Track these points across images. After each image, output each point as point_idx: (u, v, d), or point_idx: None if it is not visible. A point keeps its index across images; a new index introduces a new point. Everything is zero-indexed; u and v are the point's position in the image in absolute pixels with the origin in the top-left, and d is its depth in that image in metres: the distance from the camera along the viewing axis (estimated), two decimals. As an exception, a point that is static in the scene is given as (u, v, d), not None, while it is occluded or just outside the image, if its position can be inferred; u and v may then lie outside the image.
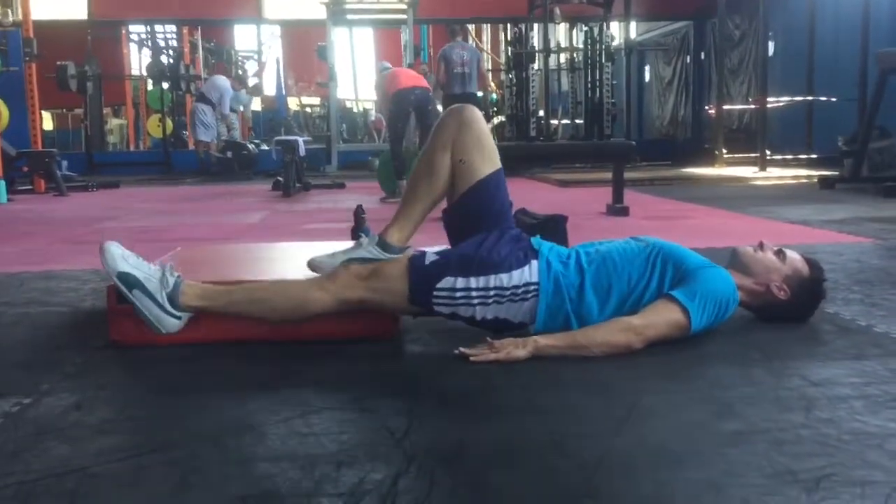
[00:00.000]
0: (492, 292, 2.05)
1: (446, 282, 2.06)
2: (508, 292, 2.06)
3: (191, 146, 12.95)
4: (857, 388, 1.72)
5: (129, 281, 2.03)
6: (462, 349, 1.98)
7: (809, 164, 9.68)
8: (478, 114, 2.24)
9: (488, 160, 2.20)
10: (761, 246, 2.27)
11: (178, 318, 2.06)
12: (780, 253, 2.25)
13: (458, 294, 2.06)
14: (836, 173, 7.83)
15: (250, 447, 1.46)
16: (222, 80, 12.23)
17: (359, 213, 3.04)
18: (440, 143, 2.20)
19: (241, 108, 13.76)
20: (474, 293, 2.05)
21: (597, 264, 2.11)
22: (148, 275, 2.05)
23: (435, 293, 2.06)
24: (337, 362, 2.03)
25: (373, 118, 12.53)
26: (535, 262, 2.09)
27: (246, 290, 2.13)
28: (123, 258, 2.06)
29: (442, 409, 1.68)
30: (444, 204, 2.28)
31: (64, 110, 19.01)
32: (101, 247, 2.07)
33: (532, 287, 2.07)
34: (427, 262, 2.10)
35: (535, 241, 2.18)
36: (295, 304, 2.09)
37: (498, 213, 2.21)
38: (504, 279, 2.06)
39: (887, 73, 6.90)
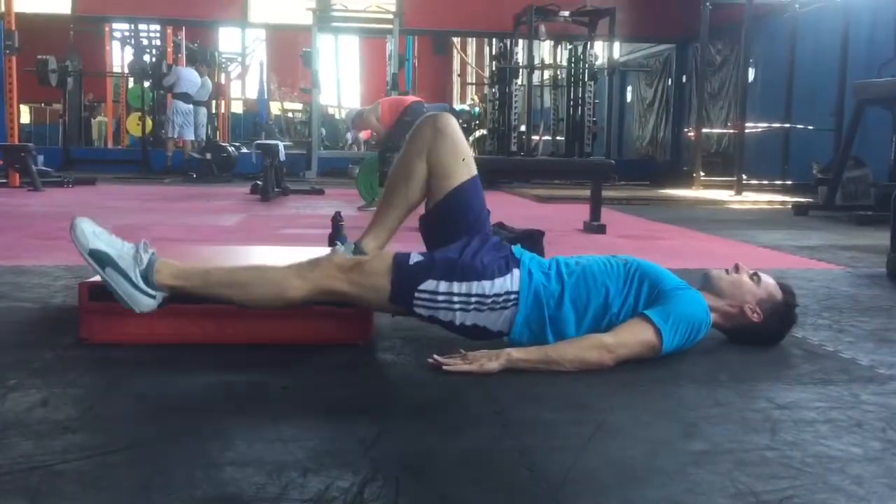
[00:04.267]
0: (473, 299, 2.04)
1: (429, 284, 2.04)
2: (489, 300, 2.05)
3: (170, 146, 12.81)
4: (822, 413, 1.74)
5: (101, 258, 1.97)
6: (436, 357, 1.98)
7: (784, 190, 9.82)
8: (452, 121, 2.24)
9: (464, 167, 2.21)
10: (737, 268, 2.29)
11: (153, 296, 1.99)
12: (755, 276, 2.28)
13: (440, 298, 2.04)
14: (811, 200, 7.94)
15: (216, 451, 1.45)
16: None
17: (337, 220, 3.05)
18: (415, 150, 2.20)
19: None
20: (456, 298, 2.04)
21: (576, 276, 2.12)
22: (121, 252, 1.98)
23: (416, 294, 2.04)
24: (308, 368, 2.02)
25: (350, 134, 12.52)
26: (516, 272, 2.08)
27: (223, 271, 2.08)
28: (95, 235, 1.99)
29: (412, 419, 1.68)
30: (420, 211, 2.29)
31: (42, 105, 18.84)
32: (73, 223, 1.99)
33: (512, 296, 2.06)
34: (411, 262, 2.07)
35: (517, 250, 2.17)
36: (272, 289, 2.03)
37: (475, 220, 2.21)
38: (486, 286, 2.05)
39: (864, 104, 7.01)
